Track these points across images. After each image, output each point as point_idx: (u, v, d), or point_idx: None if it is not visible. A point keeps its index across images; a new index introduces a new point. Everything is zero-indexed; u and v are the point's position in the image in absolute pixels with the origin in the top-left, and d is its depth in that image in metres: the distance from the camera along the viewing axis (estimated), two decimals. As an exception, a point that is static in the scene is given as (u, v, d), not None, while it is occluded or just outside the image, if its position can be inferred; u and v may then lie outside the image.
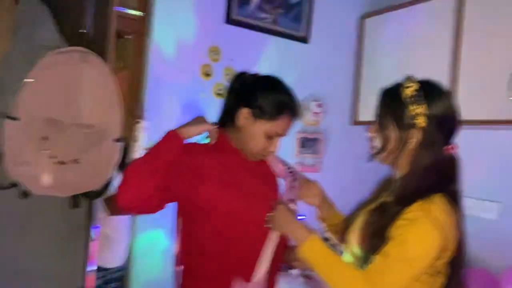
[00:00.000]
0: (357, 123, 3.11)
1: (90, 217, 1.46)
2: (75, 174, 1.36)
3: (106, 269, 2.08)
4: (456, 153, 1.15)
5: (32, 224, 1.39)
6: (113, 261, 2.10)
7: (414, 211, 1.05)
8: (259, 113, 1.27)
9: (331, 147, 3.12)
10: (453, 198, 1.10)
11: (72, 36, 1.47)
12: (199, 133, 1.28)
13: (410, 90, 1.11)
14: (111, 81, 1.41)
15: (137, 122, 1.85)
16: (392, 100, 1.15)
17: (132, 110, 2.39)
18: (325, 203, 1.39)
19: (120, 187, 1.20)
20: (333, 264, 1.10)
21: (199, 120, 1.31)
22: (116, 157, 1.43)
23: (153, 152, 1.25)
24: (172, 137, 1.24)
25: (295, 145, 2.96)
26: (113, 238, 2.04)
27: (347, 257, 1.22)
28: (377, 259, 1.06)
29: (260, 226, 1.25)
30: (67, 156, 1.35)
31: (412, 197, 1.07)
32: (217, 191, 1.27)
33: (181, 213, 1.34)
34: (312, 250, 1.13)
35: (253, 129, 1.29)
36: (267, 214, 1.23)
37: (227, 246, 1.28)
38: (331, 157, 3.11)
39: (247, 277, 1.22)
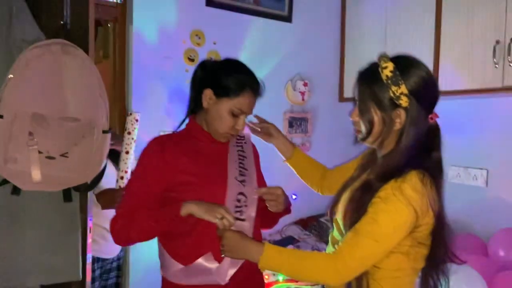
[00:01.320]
0: (343, 99, 3.13)
1: (83, 209, 1.46)
2: (65, 168, 1.34)
3: (104, 260, 2.09)
4: (436, 122, 1.16)
5: (26, 219, 1.38)
6: (110, 251, 2.10)
7: (387, 189, 1.07)
8: (222, 92, 1.34)
9: (319, 125, 3.14)
10: (434, 169, 1.12)
11: (51, 28, 1.44)
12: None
13: (387, 71, 1.10)
14: (94, 72, 1.39)
15: (130, 114, 1.81)
16: (369, 82, 1.14)
17: (118, 100, 2.37)
18: (281, 140, 1.51)
19: (119, 233, 1.32)
20: (298, 260, 1.12)
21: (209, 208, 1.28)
22: (106, 149, 1.42)
23: (156, 221, 1.29)
24: (175, 209, 1.27)
25: (283, 125, 2.97)
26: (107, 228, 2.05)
27: (335, 234, 1.24)
28: (348, 236, 1.10)
29: (220, 195, 1.32)
30: (55, 151, 1.33)
31: (392, 174, 1.09)
32: (188, 174, 1.34)
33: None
34: (271, 260, 1.13)
35: (217, 108, 1.34)
36: (220, 244, 1.24)
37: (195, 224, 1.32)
38: (319, 135, 3.13)
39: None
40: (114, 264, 2.17)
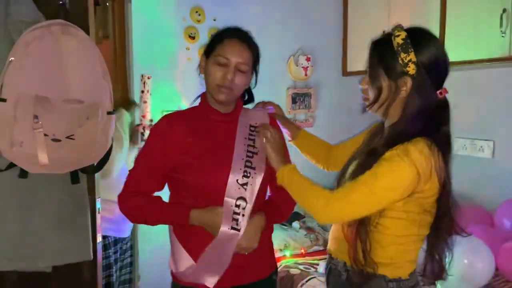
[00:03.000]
0: (347, 74, 3.10)
1: (91, 191, 1.47)
2: (71, 150, 1.34)
3: (121, 241, 2.11)
4: (445, 97, 1.17)
5: (34, 202, 1.39)
6: (124, 230, 2.12)
7: (392, 151, 1.10)
8: (208, 50, 1.36)
9: (323, 100, 3.12)
10: (441, 141, 1.13)
11: (49, 9, 1.41)
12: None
13: (399, 39, 1.12)
14: (96, 52, 1.37)
15: (148, 78, 1.85)
16: (381, 50, 1.16)
17: (120, 80, 2.35)
18: (284, 119, 1.53)
19: (127, 213, 1.39)
20: (304, 187, 1.20)
21: (214, 215, 1.32)
22: (111, 129, 1.41)
23: (162, 215, 1.37)
24: (184, 218, 1.33)
25: (287, 101, 2.96)
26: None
27: None
28: (347, 183, 1.15)
29: (222, 182, 1.32)
30: (61, 133, 1.32)
31: (399, 139, 1.11)
32: (192, 157, 1.34)
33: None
34: (285, 175, 1.23)
35: (207, 67, 1.35)
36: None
37: (202, 197, 1.34)
38: (323, 110, 3.12)
39: None
40: (129, 244, 2.21)
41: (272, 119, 1.49)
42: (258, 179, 1.36)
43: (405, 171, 1.07)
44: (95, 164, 1.41)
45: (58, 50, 1.29)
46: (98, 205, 1.49)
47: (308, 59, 2.97)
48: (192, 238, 1.36)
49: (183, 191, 1.37)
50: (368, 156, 1.17)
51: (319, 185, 1.20)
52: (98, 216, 1.49)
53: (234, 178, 1.32)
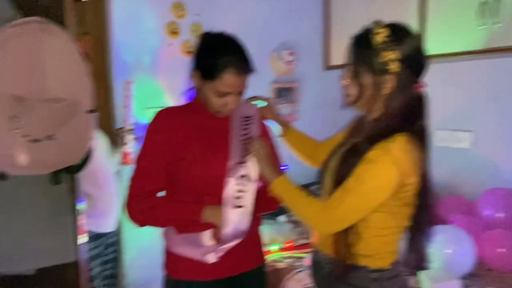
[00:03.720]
0: (330, 67, 3.11)
1: (73, 191, 1.45)
2: (51, 150, 1.32)
3: (102, 236, 2.09)
4: (423, 91, 1.18)
5: (15, 204, 1.36)
6: (106, 225, 2.10)
7: (374, 151, 1.11)
8: (205, 75, 1.31)
9: (306, 94, 3.13)
10: (420, 134, 1.15)
11: (26, 6, 1.38)
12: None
13: (381, 36, 1.12)
14: (75, 49, 1.34)
15: (129, 83, 1.86)
16: (364, 47, 1.16)
17: (100, 78, 2.31)
18: (275, 115, 1.53)
19: (135, 217, 1.36)
20: (298, 200, 1.21)
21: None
22: (92, 128, 1.39)
23: (173, 214, 1.37)
24: (196, 215, 1.34)
25: (270, 96, 2.95)
26: (102, 202, 2.02)
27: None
28: (336, 192, 1.15)
29: (220, 173, 1.34)
30: (40, 133, 1.30)
31: (380, 137, 1.13)
32: (190, 150, 1.35)
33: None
34: (279, 188, 1.24)
35: (204, 90, 1.33)
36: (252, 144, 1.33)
37: (200, 191, 1.37)
38: (307, 104, 3.13)
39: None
40: (114, 239, 2.19)
41: (260, 117, 1.50)
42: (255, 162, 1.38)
43: (389, 170, 1.09)
44: (77, 164, 1.39)
45: (36, 48, 1.26)
46: (80, 205, 1.47)
47: (291, 54, 2.97)
48: (185, 229, 1.38)
49: (180, 187, 1.38)
50: (350, 152, 1.19)
51: (311, 196, 1.22)
52: (80, 217, 1.47)
53: (233, 161, 1.35)
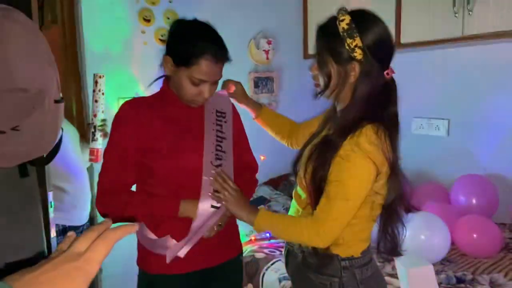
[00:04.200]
0: (308, 56, 3.10)
1: (42, 184, 1.40)
2: (17, 142, 1.26)
3: (73, 229, 2.05)
4: (392, 78, 1.17)
5: (-19, 199, 1.31)
6: (79, 219, 2.06)
7: (346, 147, 1.10)
8: (179, 61, 1.27)
9: (285, 84, 3.11)
10: (389, 123, 1.14)
11: (-14, -9, 1.31)
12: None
13: (343, 24, 1.11)
14: (40, 37, 1.28)
15: (100, 77, 1.82)
16: (327, 36, 1.15)
17: (71, 67, 2.25)
18: (246, 98, 1.52)
19: (107, 211, 1.31)
20: (285, 227, 1.20)
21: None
22: (60, 119, 1.34)
23: (149, 209, 1.33)
24: (173, 211, 1.31)
25: (249, 86, 2.93)
26: (73, 195, 1.98)
27: (299, 190, 1.27)
28: (321, 202, 1.14)
29: (195, 165, 1.32)
30: (5, 125, 1.24)
31: (349, 129, 1.12)
32: (161, 141, 1.32)
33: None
34: (263, 225, 1.23)
35: (177, 77, 1.29)
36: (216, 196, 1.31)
37: (175, 184, 1.34)
38: (286, 94, 3.11)
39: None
40: None
41: (234, 109, 1.49)
42: (230, 162, 1.37)
43: (363, 166, 1.09)
44: (45, 155, 1.35)
45: (-2, 36, 1.21)
46: (50, 198, 1.43)
47: (269, 42, 2.94)
48: (161, 226, 1.35)
49: (151, 179, 1.34)
50: (322, 148, 1.17)
51: (295, 216, 1.23)
52: (50, 210, 1.43)
53: (208, 160, 1.32)
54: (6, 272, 1.37)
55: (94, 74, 1.93)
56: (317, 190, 1.15)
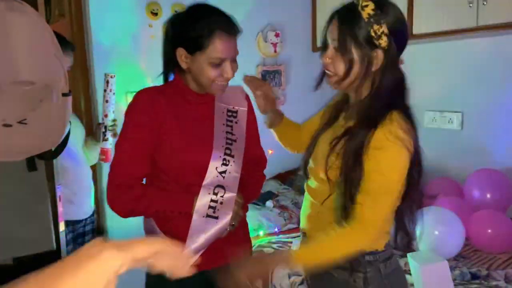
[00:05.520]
0: (317, 49, 3.05)
1: (50, 177, 1.39)
2: (25, 136, 1.25)
3: (74, 223, 2.02)
4: (402, 68, 1.14)
5: (-11, 192, 1.31)
6: (78, 214, 2.02)
7: (378, 136, 1.06)
8: (193, 47, 1.22)
9: (293, 77, 3.08)
10: (408, 113, 1.11)
11: (-8, -18, 1.30)
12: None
13: (368, 9, 1.07)
14: (46, 29, 1.27)
15: (111, 77, 1.81)
16: (351, 21, 1.09)
17: (79, 60, 2.23)
18: (273, 105, 1.42)
19: (120, 206, 1.28)
20: (326, 250, 1.13)
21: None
22: (68, 112, 1.32)
23: (163, 205, 1.29)
24: (187, 207, 1.28)
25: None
26: (70, 188, 1.93)
27: (311, 183, 1.23)
28: (363, 199, 1.08)
29: (205, 163, 1.29)
30: (12, 118, 1.23)
31: (374, 118, 1.08)
32: (172, 136, 1.28)
33: None
34: (302, 261, 1.15)
35: (196, 65, 1.24)
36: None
37: (186, 180, 1.31)
38: (294, 87, 3.08)
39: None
40: (88, 228, 2.11)
41: (248, 100, 1.44)
42: (237, 167, 1.33)
43: (401, 154, 1.06)
44: (53, 149, 1.34)
45: (3, 28, 1.19)
46: (59, 192, 1.41)
47: (277, 35, 2.91)
48: (168, 224, 1.33)
49: (163, 174, 1.31)
50: (346, 141, 1.12)
51: (328, 233, 1.13)
52: (59, 204, 1.41)
53: (213, 166, 1.28)
54: (15, 267, 1.36)
55: (105, 74, 1.90)
56: (348, 185, 1.10)
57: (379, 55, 1.09)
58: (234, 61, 1.27)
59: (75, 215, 2.00)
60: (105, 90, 1.93)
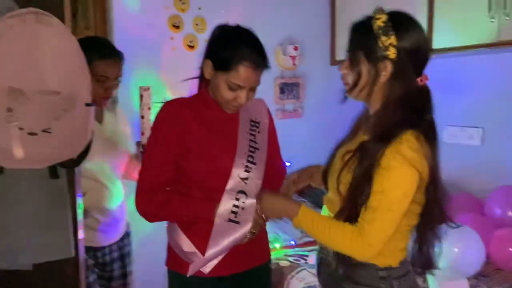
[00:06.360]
0: (335, 62, 3.06)
1: (71, 185, 1.42)
2: (48, 144, 1.29)
3: (97, 249, 1.81)
4: (426, 84, 1.14)
5: (12, 198, 1.34)
6: (99, 240, 1.82)
7: (387, 155, 1.06)
8: (218, 65, 1.29)
9: (312, 90, 3.08)
10: (427, 130, 1.11)
11: (23, -4, 1.35)
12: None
13: (379, 22, 1.09)
14: (72, 42, 1.31)
15: (145, 90, 1.78)
16: (361, 33, 1.13)
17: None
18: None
19: (147, 212, 1.35)
20: (327, 228, 1.15)
21: None
22: (90, 122, 1.36)
23: (187, 211, 1.35)
24: (210, 214, 1.32)
25: (274, 91, 2.91)
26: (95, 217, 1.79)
27: (330, 196, 1.24)
28: (363, 213, 1.10)
29: (228, 169, 1.34)
30: (36, 127, 1.27)
31: (387, 135, 1.08)
32: (198, 143, 1.34)
33: None
34: (303, 222, 1.18)
35: (215, 81, 1.31)
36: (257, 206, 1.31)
37: (209, 187, 1.35)
38: (312, 100, 3.08)
39: None
40: (115, 255, 1.89)
41: (268, 113, 1.50)
42: (259, 175, 1.37)
43: (406, 174, 1.06)
44: (75, 157, 1.37)
45: (33, 40, 1.24)
46: (79, 200, 1.44)
47: (296, 48, 2.92)
48: (190, 228, 1.37)
49: (186, 180, 1.36)
50: (359, 155, 1.13)
51: (337, 222, 1.15)
52: (79, 212, 1.44)
53: (236, 173, 1.33)
54: (35, 273, 1.38)
55: (140, 87, 1.82)
56: (353, 200, 1.11)
57: (387, 67, 1.10)
58: (252, 89, 1.32)
59: (95, 242, 1.80)
60: (140, 105, 1.86)
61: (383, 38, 1.08)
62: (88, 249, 1.75)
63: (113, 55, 1.69)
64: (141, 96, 1.83)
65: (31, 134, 1.25)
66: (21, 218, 1.34)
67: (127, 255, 1.95)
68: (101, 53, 1.64)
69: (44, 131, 1.27)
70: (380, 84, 1.12)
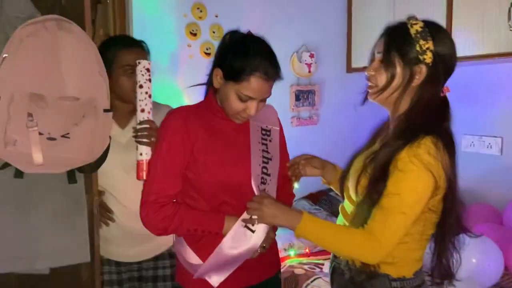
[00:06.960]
0: (351, 70, 3.05)
1: (89, 190, 1.43)
2: (67, 149, 1.31)
3: (126, 264, 1.70)
4: (446, 96, 1.16)
5: (31, 202, 1.36)
6: (126, 256, 1.70)
7: (404, 158, 1.06)
8: (228, 75, 1.24)
9: (327, 97, 3.07)
10: (446, 138, 1.10)
11: (45, 4, 1.38)
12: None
13: (417, 27, 1.11)
14: (92, 48, 1.33)
15: (138, 63, 1.48)
16: (398, 36, 1.13)
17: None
18: (327, 168, 1.42)
19: (152, 224, 1.29)
20: (332, 234, 1.14)
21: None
22: (108, 128, 1.38)
23: (195, 224, 1.29)
24: (218, 227, 1.28)
25: (290, 98, 2.91)
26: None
27: (346, 205, 1.23)
28: (375, 213, 1.09)
29: (239, 180, 1.29)
30: (56, 132, 1.29)
31: (408, 135, 1.08)
32: (206, 153, 1.29)
33: None
34: (307, 230, 1.15)
35: (225, 90, 1.26)
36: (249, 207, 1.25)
37: (218, 199, 1.31)
38: (327, 107, 3.07)
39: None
40: (149, 273, 1.71)
41: (278, 119, 1.47)
42: (274, 185, 1.34)
43: (422, 178, 1.05)
44: (93, 163, 1.38)
45: (53, 46, 1.26)
46: (97, 205, 1.45)
47: (311, 56, 2.92)
48: (198, 242, 1.33)
49: (194, 192, 1.32)
50: (379, 153, 1.13)
51: (344, 226, 1.15)
52: (96, 216, 1.45)
53: (255, 185, 1.29)
54: (52, 277, 1.39)
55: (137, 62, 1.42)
56: (369, 197, 1.10)
57: (422, 70, 1.11)
58: (263, 100, 1.28)
59: (121, 257, 1.70)
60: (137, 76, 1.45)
61: (422, 42, 1.09)
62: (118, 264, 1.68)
63: (135, 44, 1.71)
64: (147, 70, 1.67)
65: (50, 139, 1.27)
66: (38, 222, 1.36)
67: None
68: (123, 43, 1.66)
69: (63, 136, 1.29)
70: (412, 87, 1.12)
